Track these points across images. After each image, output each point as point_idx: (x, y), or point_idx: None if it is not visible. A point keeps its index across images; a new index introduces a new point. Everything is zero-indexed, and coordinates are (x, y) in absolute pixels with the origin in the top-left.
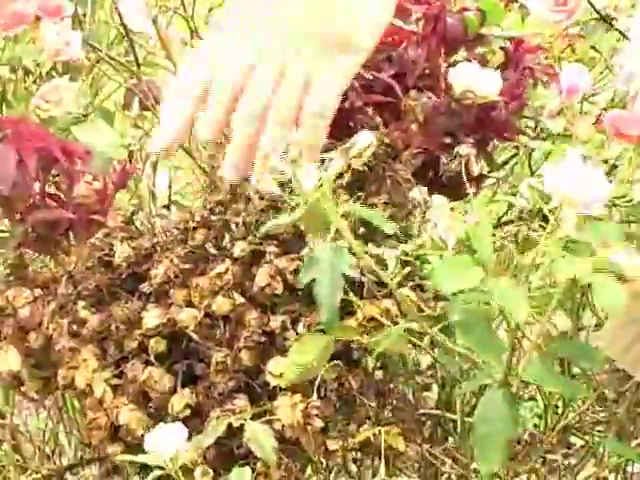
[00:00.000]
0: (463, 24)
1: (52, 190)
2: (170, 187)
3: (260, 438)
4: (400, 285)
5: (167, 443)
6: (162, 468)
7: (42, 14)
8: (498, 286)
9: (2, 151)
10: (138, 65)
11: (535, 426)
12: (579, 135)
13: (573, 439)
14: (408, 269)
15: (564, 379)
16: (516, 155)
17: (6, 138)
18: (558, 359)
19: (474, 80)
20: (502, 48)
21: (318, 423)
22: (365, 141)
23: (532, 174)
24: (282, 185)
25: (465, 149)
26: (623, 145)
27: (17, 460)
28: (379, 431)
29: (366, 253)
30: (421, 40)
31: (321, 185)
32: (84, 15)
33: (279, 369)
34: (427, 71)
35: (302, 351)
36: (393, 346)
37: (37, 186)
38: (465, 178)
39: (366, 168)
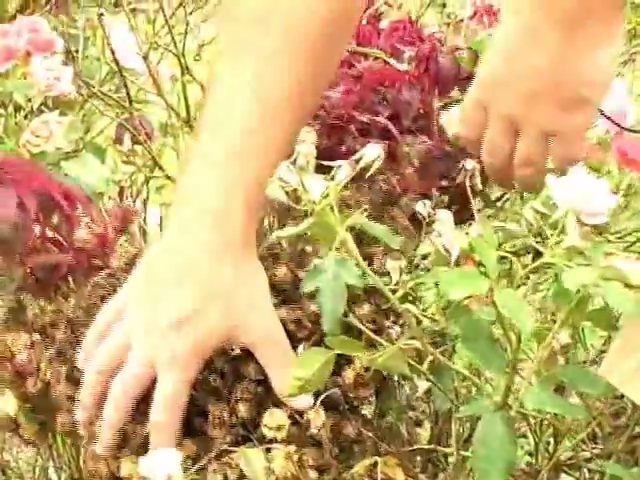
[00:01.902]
0: (455, 64)
1: (52, 234)
2: (161, 223)
3: (252, 461)
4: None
5: (161, 467)
6: None
7: (32, 49)
8: (503, 297)
9: (3, 193)
10: (130, 101)
11: (528, 464)
12: (589, 163)
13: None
14: (411, 282)
15: (564, 401)
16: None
17: (7, 180)
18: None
19: None
20: None
21: (313, 474)
22: (373, 154)
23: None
24: (288, 194)
25: (470, 163)
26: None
27: None
28: (376, 462)
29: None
30: (414, 80)
31: (327, 195)
32: (76, 51)
33: (275, 422)
34: (421, 111)
35: (303, 365)
36: (391, 365)
37: (37, 229)
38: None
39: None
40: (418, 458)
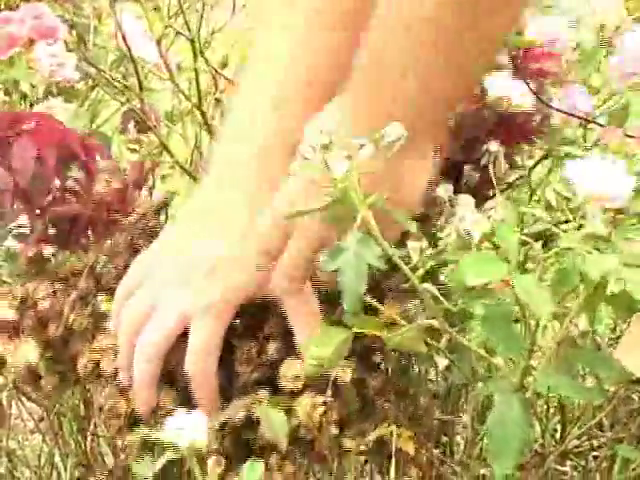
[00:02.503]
0: None
1: (71, 186)
2: (166, 212)
3: (275, 423)
4: (422, 280)
5: (186, 431)
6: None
7: (36, 36)
8: (523, 282)
9: (22, 145)
10: (141, 86)
11: (535, 452)
12: (610, 146)
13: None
14: (431, 262)
15: (580, 385)
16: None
17: (26, 132)
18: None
19: (508, 89)
20: (512, 57)
21: (335, 429)
22: (396, 133)
23: (531, 196)
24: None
25: (494, 146)
26: None
27: None
28: (391, 432)
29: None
30: None
31: (350, 173)
32: (82, 39)
33: (292, 372)
34: None
35: (320, 344)
36: (409, 344)
37: (57, 181)
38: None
39: None
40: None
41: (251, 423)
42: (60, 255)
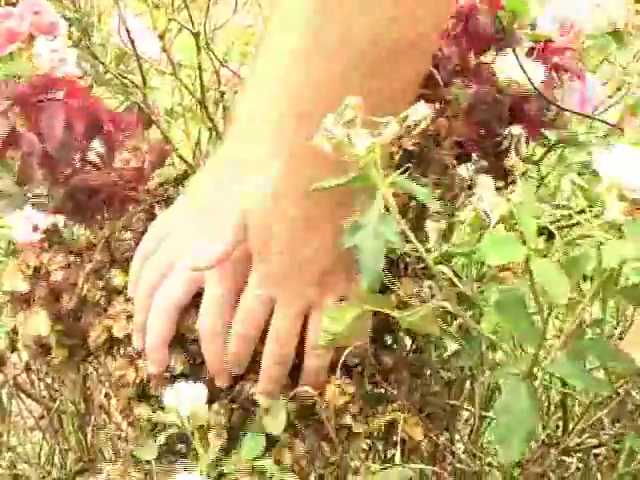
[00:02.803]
0: (494, 23)
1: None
2: None
3: (273, 409)
4: (438, 262)
5: (185, 401)
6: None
7: (36, 32)
8: (541, 265)
9: (51, 111)
10: (145, 82)
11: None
12: (628, 135)
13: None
14: (447, 245)
15: (590, 375)
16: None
17: (56, 98)
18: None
19: (518, 71)
20: (531, 48)
21: (353, 408)
22: (421, 113)
23: (538, 187)
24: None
25: (517, 129)
26: None
27: None
28: (399, 418)
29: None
30: (452, 39)
31: (372, 151)
32: (85, 34)
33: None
34: (458, 68)
35: (335, 319)
36: (422, 325)
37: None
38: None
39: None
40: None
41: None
42: (75, 229)
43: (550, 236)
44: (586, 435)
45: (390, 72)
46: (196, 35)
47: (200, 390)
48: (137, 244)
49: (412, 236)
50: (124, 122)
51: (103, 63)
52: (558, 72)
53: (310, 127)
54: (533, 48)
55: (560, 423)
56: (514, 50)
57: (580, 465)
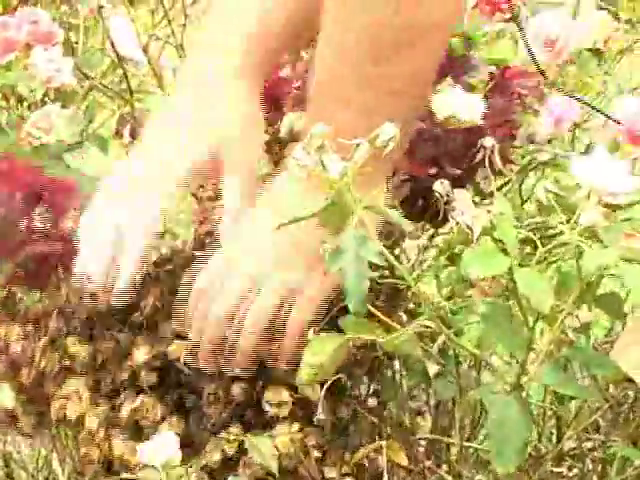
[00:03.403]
0: (449, 50)
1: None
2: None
3: (262, 448)
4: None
5: (159, 453)
6: None
7: (33, 41)
8: (524, 275)
9: None
10: (131, 93)
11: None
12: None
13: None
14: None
15: (576, 383)
16: (507, 184)
17: None
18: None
19: (457, 105)
20: (490, 74)
21: (317, 453)
22: (389, 133)
23: (522, 204)
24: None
25: (490, 141)
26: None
27: None
28: (381, 446)
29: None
30: None
31: (345, 174)
32: (76, 43)
33: (277, 398)
34: None
35: (316, 352)
36: (405, 347)
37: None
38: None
39: None
40: (421, 446)
41: (228, 466)
42: (30, 296)
43: (535, 247)
44: (578, 442)
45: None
46: (177, 48)
47: (171, 440)
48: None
49: (391, 257)
50: (63, 188)
51: (87, 76)
52: (520, 96)
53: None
54: (493, 74)
55: (554, 430)
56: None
57: (576, 471)
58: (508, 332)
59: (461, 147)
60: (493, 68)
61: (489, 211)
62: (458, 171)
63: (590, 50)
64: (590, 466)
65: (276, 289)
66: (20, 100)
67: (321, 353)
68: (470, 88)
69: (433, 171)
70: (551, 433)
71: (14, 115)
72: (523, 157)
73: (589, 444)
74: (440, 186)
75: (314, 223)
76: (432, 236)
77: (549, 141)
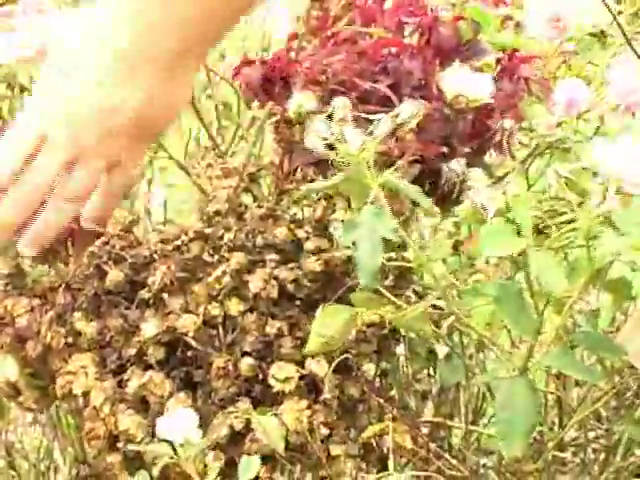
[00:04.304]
0: (457, 34)
1: None
2: (165, 205)
3: (268, 427)
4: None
5: (178, 430)
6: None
7: None
8: (537, 257)
9: None
10: None
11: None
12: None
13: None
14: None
15: (584, 365)
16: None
17: None
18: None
19: (465, 85)
20: (497, 59)
21: (324, 430)
22: (411, 110)
23: (529, 188)
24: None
25: (508, 122)
26: None
27: (12, 477)
28: (387, 426)
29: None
30: (416, 51)
31: (365, 149)
32: None
33: (283, 374)
34: (422, 82)
35: (325, 324)
36: (416, 325)
37: None
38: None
39: None
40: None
41: (235, 441)
42: (38, 270)
43: (539, 232)
44: (582, 430)
45: None
46: None
47: (190, 417)
48: (102, 280)
49: (404, 234)
50: None
51: None
52: (526, 82)
53: None
54: (499, 59)
55: (556, 419)
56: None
57: (577, 460)
58: (519, 314)
59: (470, 127)
60: (500, 54)
61: (504, 192)
62: (468, 150)
63: (594, 35)
64: (592, 455)
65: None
66: (22, 89)
67: (331, 325)
68: (478, 71)
69: (444, 150)
70: (553, 423)
71: (17, 104)
72: (531, 139)
73: (592, 433)
74: (456, 164)
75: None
76: (439, 222)
77: (558, 124)
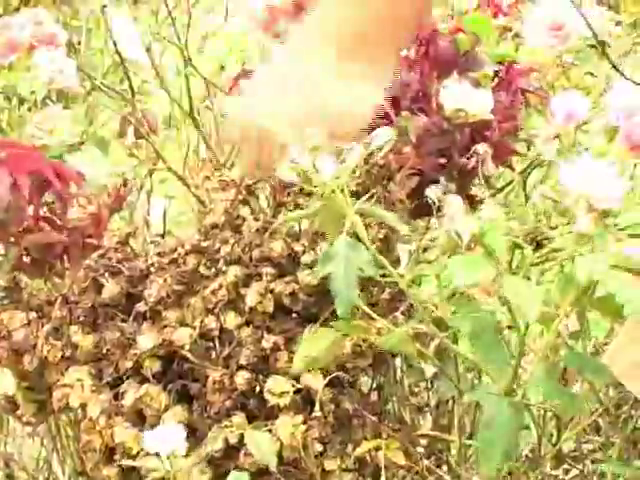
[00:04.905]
0: (455, 46)
1: (46, 214)
2: (164, 216)
3: (260, 442)
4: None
5: (165, 443)
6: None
7: (36, 42)
8: (511, 283)
9: None
10: (133, 93)
11: (527, 457)
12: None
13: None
14: (420, 265)
15: (569, 393)
16: (510, 183)
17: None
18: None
19: (465, 99)
20: (495, 71)
21: (318, 446)
22: (385, 136)
23: (526, 200)
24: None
25: (483, 147)
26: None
27: None
28: (379, 444)
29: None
30: (414, 64)
31: (338, 177)
32: (79, 43)
33: (279, 388)
34: (420, 94)
35: (310, 345)
36: (400, 346)
37: (31, 209)
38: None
39: (360, 189)
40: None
41: (229, 455)
42: (35, 283)
43: (538, 245)
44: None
45: None
46: (181, 49)
47: (177, 431)
48: (99, 292)
49: (384, 260)
50: (69, 175)
51: (90, 77)
52: (523, 94)
53: None
54: (497, 71)
55: (554, 432)
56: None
57: (575, 472)
58: (493, 347)
59: (468, 140)
60: (497, 65)
61: (480, 217)
62: (466, 161)
63: (593, 47)
64: (590, 467)
65: None
66: (21, 101)
67: (316, 346)
68: (476, 83)
69: (442, 161)
70: (551, 435)
71: (15, 116)
72: (529, 149)
73: (589, 446)
74: (432, 191)
75: None
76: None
77: (555, 137)
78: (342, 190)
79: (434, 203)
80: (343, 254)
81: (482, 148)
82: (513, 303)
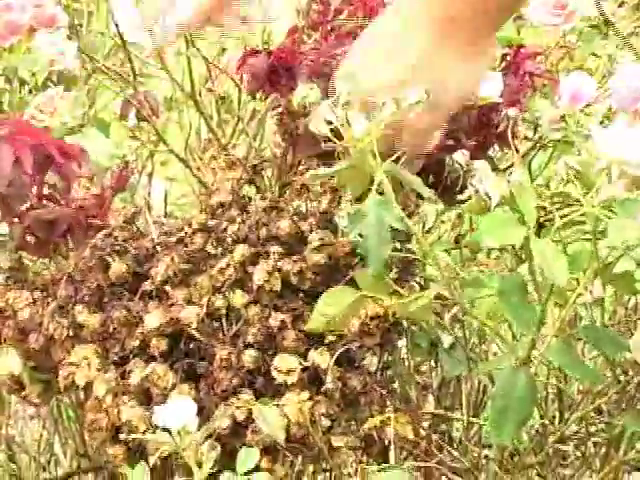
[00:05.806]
0: None
1: (48, 191)
2: (166, 198)
3: (269, 417)
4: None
5: (176, 418)
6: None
7: (37, 24)
8: (540, 247)
9: None
10: (134, 76)
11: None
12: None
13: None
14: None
15: (585, 364)
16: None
17: (2, 137)
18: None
19: None
20: (502, 54)
21: (325, 422)
22: (417, 96)
23: (532, 182)
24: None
25: (513, 111)
26: None
27: (13, 470)
28: (389, 418)
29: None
30: None
31: (369, 134)
32: (80, 25)
33: (286, 366)
34: None
35: (330, 303)
36: (419, 313)
37: (34, 189)
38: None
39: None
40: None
41: (237, 432)
42: (39, 263)
43: (540, 226)
44: (583, 424)
45: None
46: None
47: (188, 406)
48: (105, 272)
49: (409, 221)
50: (74, 153)
51: (92, 58)
52: (530, 77)
53: None
54: (505, 54)
55: (557, 413)
56: None
57: (578, 454)
58: (521, 308)
59: (476, 120)
60: (505, 49)
61: (508, 181)
62: (474, 143)
63: (595, 26)
64: (593, 449)
65: None
66: (22, 83)
67: (335, 305)
68: None
69: (449, 143)
70: (554, 417)
71: (16, 98)
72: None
73: (593, 427)
74: (460, 156)
75: None
76: (442, 212)
77: (561, 118)
78: (372, 148)
79: (461, 167)
80: (374, 213)
81: (513, 112)
82: (542, 267)
